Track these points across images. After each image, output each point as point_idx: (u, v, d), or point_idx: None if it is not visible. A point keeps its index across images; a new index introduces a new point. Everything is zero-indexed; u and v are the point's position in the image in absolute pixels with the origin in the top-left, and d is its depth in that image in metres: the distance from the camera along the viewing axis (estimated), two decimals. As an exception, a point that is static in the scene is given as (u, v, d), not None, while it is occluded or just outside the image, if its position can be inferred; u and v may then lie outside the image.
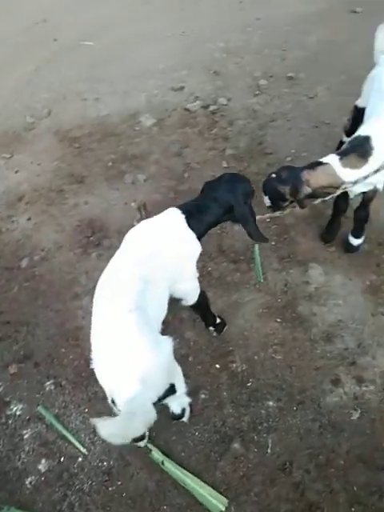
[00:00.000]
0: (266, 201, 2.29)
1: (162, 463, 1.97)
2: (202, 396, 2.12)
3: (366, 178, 2.14)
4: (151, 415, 1.43)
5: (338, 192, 2.21)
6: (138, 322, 1.55)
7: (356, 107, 2.61)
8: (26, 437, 2.13)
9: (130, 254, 1.80)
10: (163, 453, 1.99)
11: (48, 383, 2.28)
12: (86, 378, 2.25)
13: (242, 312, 2.41)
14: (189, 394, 2.06)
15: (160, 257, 1.77)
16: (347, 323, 2.35)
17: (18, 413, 2.22)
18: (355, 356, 2.23)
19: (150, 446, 2.02)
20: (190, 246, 1.89)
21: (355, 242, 2.58)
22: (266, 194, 2.26)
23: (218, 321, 2.29)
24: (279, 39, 4.41)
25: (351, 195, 2.38)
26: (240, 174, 2.11)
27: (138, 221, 2.54)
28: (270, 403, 2.10)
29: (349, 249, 2.62)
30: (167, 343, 1.60)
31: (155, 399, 1.52)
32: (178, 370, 1.79)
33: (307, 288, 2.49)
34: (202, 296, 2.09)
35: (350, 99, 2.69)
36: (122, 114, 3.67)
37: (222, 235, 2.76)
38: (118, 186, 3.11)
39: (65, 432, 2.12)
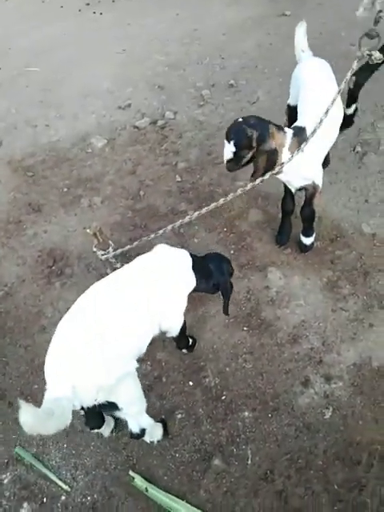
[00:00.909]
0: (229, 150, 2.01)
1: (146, 490, 1.84)
2: (179, 416, 2.00)
3: (289, 161, 2.04)
4: (65, 421, 1.40)
5: (272, 173, 2.07)
6: (104, 337, 1.54)
7: (289, 106, 2.54)
8: (5, 482, 1.96)
9: (135, 276, 1.77)
10: (146, 479, 1.86)
11: (24, 422, 2.11)
12: (62, 413, 2.09)
13: (209, 325, 2.29)
14: (165, 414, 1.96)
15: (162, 289, 1.77)
16: (310, 322, 2.27)
17: (-5, 456, 2.04)
18: (321, 354, 2.16)
19: (132, 474, 1.88)
20: (189, 287, 1.92)
21: (307, 241, 2.50)
22: (231, 139, 1.98)
23: (190, 342, 2.17)
24: (217, 48, 4.28)
25: (292, 190, 2.31)
26: (222, 254, 2.15)
27: (97, 246, 2.38)
28: (246, 414, 2.00)
29: (302, 248, 2.54)
30: (127, 370, 1.60)
31: (78, 407, 1.51)
32: (132, 392, 1.69)
33: (269, 293, 2.39)
34: (183, 324, 1.98)
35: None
36: (73, 137, 3.48)
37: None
38: (75, 212, 2.93)
39: (45, 471, 1.96)
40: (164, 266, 1.83)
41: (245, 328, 2.27)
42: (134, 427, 1.79)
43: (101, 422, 1.88)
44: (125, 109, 3.63)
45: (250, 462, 1.89)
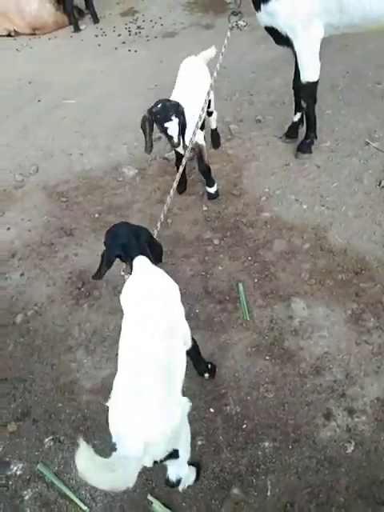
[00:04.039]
0: (174, 128, 2.55)
1: (164, 516, 1.84)
2: (199, 443, 2.01)
3: None
4: (126, 482, 1.32)
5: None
6: (163, 379, 1.49)
7: None
8: (26, 498, 2.00)
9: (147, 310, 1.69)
10: (164, 505, 1.87)
11: (47, 440, 2.16)
12: (84, 433, 2.13)
13: (231, 353, 2.32)
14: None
15: (164, 302, 1.73)
16: (334, 355, 2.27)
17: (18, 472, 2.09)
18: (344, 387, 2.15)
19: (151, 498, 1.89)
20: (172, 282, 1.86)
21: (212, 189, 3.12)
22: (173, 118, 2.52)
23: (209, 366, 2.19)
24: (246, 85, 4.46)
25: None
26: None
27: (125, 271, 2.47)
28: (266, 444, 2.00)
29: (210, 196, 3.13)
30: (184, 407, 1.54)
31: (150, 464, 1.43)
32: (186, 435, 1.65)
33: (292, 322, 2.41)
34: (193, 339, 2.00)
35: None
36: (105, 166, 3.64)
37: (207, 277, 2.69)
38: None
39: (65, 490, 1.99)
40: (152, 280, 1.80)
41: (267, 357, 2.29)
42: (173, 477, 1.72)
43: None
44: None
45: (269, 493, 1.87)
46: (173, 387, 1.55)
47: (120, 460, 1.33)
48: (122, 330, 1.70)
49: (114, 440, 1.41)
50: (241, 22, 2.96)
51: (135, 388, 1.45)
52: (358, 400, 2.10)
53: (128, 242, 1.87)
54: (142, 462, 1.39)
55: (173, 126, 2.55)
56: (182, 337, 1.80)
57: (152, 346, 1.56)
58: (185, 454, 1.61)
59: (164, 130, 2.60)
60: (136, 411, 1.41)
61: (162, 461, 1.48)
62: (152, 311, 1.67)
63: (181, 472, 1.72)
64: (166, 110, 2.55)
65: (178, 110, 2.57)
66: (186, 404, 1.57)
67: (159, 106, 2.59)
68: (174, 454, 1.52)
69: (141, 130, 2.74)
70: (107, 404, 1.51)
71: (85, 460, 1.25)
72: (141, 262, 1.83)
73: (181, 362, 1.70)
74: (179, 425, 1.50)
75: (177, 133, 2.57)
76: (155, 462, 1.46)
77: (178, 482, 1.73)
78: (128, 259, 1.87)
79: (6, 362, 2.48)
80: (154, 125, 2.65)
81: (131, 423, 1.40)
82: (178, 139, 2.60)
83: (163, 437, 1.41)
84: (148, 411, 1.41)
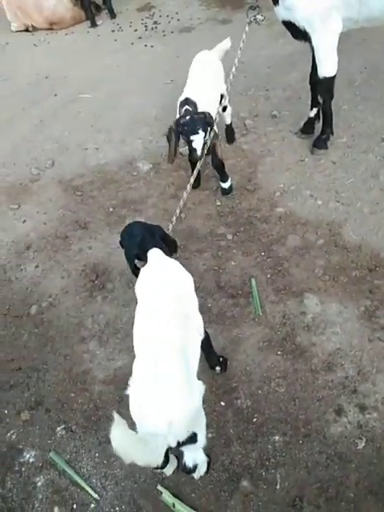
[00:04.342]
0: (199, 142, 2.56)
1: (173, 506, 1.87)
2: (209, 435, 2.02)
3: None
4: (156, 458, 1.40)
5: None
6: (180, 364, 1.55)
7: None
8: (39, 484, 2.04)
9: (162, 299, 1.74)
10: (174, 495, 1.89)
11: (59, 429, 2.20)
12: (96, 422, 2.17)
13: (243, 347, 2.32)
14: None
15: (179, 292, 1.77)
16: (346, 351, 2.26)
17: (31, 460, 2.13)
18: (356, 384, 2.14)
19: (160, 488, 1.92)
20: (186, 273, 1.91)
21: (226, 185, 3.09)
22: (200, 132, 2.53)
23: (221, 359, 2.20)
24: (262, 80, 4.44)
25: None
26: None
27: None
28: (276, 438, 2.00)
29: (224, 192, 3.11)
30: (200, 389, 1.59)
31: (174, 444, 1.48)
32: (203, 419, 1.69)
33: (304, 318, 2.41)
34: (205, 332, 2.02)
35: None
36: (120, 161, 3.67)
37: (219, 271, 2.70)
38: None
39: (77, 478, 2.02)
40: (167, 270, 1.85)
41: (279, 352, 2.29)
42: (189, 461, 1.74)
43: (167, 462, 1.83)
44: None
45: (278, 486, 1.88)
46: (189, 372, 1.59)
47: (150, 436, 1.41)
48: (136, 319, 1.73)
49: (137, 424, 1.49)
50: (259, 16, 2.99)
51: (154, 376, 1.50)
52: (369, 397, 2.08)
53: (142, 240, 1.91)
54: (167, 441, 1.45)
55: (198, 140, 2.56)
56: (196, 327, 1.82)
57: (167, 334, 1.60)
58: (202, 437, 1.65)
59: (189, 142, 2.60)
60: (158, 395, 1.47)
61: (183, 443, 1.53)
62: (167, 300, 1.70)
63: (197, 457, 1.75)
64: (194, 124, 2.55)
65: (204, 124, 2.56)
66: (201, 387, 1.62)
67: (187, 118, 2.57)
68: (193, 438, 1.56)
69: (166, 139, 2.78)
70: (127, 392, 1.56)
71: (120, 433, 1.30)
72: (155, 254, 1.87)
73: (195, 349, 1.75)
74: (198, 406, 1.57)
75: (201, 146, 2.58)
76: (178, 445, 1.51)
77: (195, 467, 1.76)
78: (145, 256, 1.90)
79: (21, 352, 2.53)
80: (180, 136, 2.64)
81: (154, 405, 1.46)
82: (202, 153, 2.60)
83: (185, 416, 1.47)
84: (169, 393, 1.48)
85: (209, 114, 2.66)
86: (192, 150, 2.62)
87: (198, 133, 2.53)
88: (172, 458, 1.91)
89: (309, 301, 2.47)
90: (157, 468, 1.81)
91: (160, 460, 1.45)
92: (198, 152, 2.59)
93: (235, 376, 2.22)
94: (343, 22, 2.79)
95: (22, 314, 2.70)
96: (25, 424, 2.24)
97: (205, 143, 2.62)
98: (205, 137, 2.57)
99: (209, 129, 2.60)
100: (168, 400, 1.47)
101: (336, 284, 2.54)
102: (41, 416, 2.25)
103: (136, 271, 1.96)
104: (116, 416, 1.31)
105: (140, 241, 1.91)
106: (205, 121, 2.57)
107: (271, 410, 2.08)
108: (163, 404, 1.46)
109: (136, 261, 1.98)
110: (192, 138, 2.55)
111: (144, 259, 1.92)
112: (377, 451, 1.93)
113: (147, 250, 1.89)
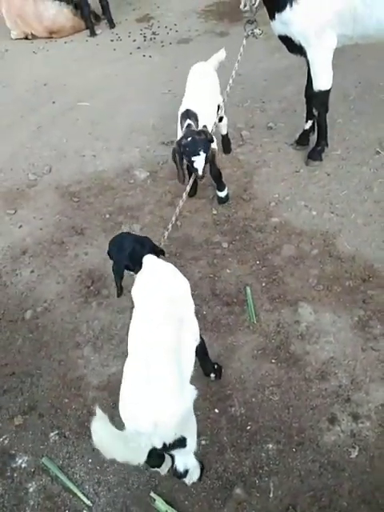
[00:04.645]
0: (201, 162, 2.60)
1: (166, 513, 1.86)
2: (203, 442, 2.03)
3: None
4: (138, 457, 1.40)
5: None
6: (172, 366, 1.56)
7: None
8: (30, 490, 2.02)
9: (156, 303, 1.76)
10: (167, 502, 1.88)
11: (52, 434, 2.19)
12: (89, 429, 2.13)
13: (237, 355, 2.34)
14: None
15: (173, 295, 1.78)
16: (339, 360, 2.28)
17: (23, 465, 2.12)
18: (349, 392, 2.16)
19: (153, 495, 1.91)
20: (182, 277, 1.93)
21: (222, 194, 3.15)
22: (201, 153, 2.57)
23: (216, 367, 2.21)
24: (258, 92, 4.51)
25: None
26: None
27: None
28: (270, 446, 2.01)
29: (220, 201, 3.16)
30: (191, 394, 1.59)
31: (160, 445, 1.48)
32: (194, 424, 1.69)
33: (299, 327, 2.43)
34: (203, 342, 2.03)
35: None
36: (118, 168, 3.69)
37: (215, 279, 2.72)
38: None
39: (69, 484, 2.01)
40: (161, 274, 1.87)
41: (273, 360, 2.30)
42: (180, 466, 1.74)
43: (162, 461, 1.84)
44: (167, 144, 3.84)
45: (272, 494, 1.88)
46: (182, 375, 1.60)
47: (132, 435, 1.41)
48: (132, 322, 1.75)
49: (124, 421, 1.50)
50: (257, 30, 3.06)
51: (145, 377, 1.51)
52: (362, 406, 2.10)
53: (133, 251, 1.93)
54: (152, 441, 1.45)
55: (199, 160, 2.60)
56: (191, 332, 1.84)
57: (160, 337, 1.61)
58: (192, 443, 1.65)
59: (191, 163, 2.64)
60: (147, 395, 1.48)
61: (171, 446, 1.52)
62: (159, 303, 1.72)
63: (188, 462, 1.75)
64: (195, 145, 2.58)
65: (206, 144, 2.59)
66: (192, 391, 1.62)
67: (189, 139, 2.60)
68: (182, 442, 1.56)
69: (172, 161, 2.81)
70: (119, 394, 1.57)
71: (100, 426, 1.30)
72: (150, 259, 1.89)
73: (189, 354, 1.76)
74: (188, 410, 1.56)
75: (202, 166, 2.62)
76: (165, 447, 1.51)
77: (186, 472, 1.75)
78: (136, 267, 1.91)
79: (15, 357, 2.52)
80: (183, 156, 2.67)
81: (142, 405, 1.47)
82: (203, 173, 2.65)
83: (172, 418, 1.47)
84: (158, 394, 1.48)
85: (209, 133, 2.70)
86: (194, 170, 2.65)
87: (199, 154, 2.57)
88: (168, 458, 1.89)
89: (303, 310, 2.50)
90: (152, 467, 1.83)
91: (143, 459, 1.43)
92: (200, 172, 2.63)
93: (229, 383, 2.23)
94: (338, 38, 2.86)
95: (17, 318, 2.69)
96: (18, 429, 2.23)
97: (206, 162, 2.65)
98: (206, 157, 2.60)
99: (209, 150, 2.64)
100: (156, 400, 1.48)
101: (330, 293, 2.57)
102: (34, 421, 2.24)
103: (120, 283, 1.98)
104: (98, 410, 1.31)
105: (130, 252, 1.93)
106: (206, 141, 2.60)
107: (265, 418, 2.09)
108: (151, 404, 1.47)
109: (125, 271, 1.98)
110: (194, 159, 2.59)
111: (135, 270, 1.94)
112: (370, 460, 1.94)
113: (138, 261, 1.90)
